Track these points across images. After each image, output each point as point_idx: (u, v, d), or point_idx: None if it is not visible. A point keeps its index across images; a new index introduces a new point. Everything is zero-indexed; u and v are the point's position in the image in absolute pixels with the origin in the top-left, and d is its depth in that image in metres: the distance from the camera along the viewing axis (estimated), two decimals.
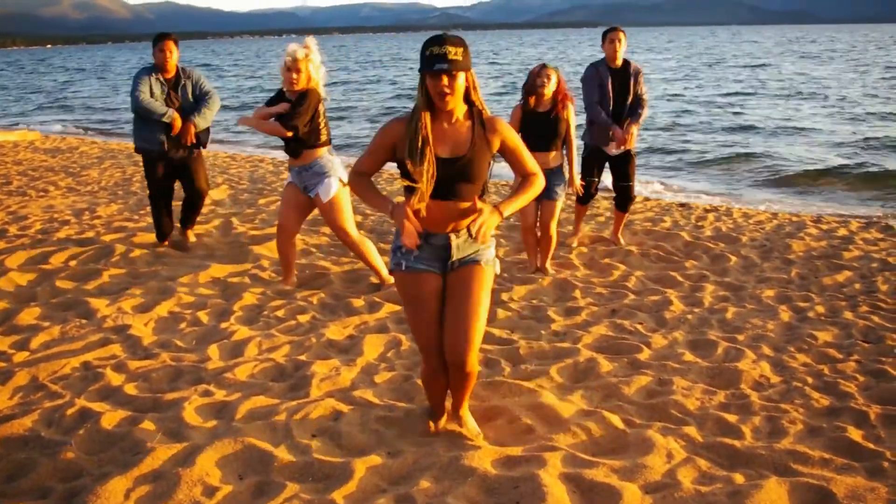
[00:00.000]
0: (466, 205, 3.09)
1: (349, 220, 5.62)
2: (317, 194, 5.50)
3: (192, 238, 7.11)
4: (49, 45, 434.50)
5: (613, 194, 7.06)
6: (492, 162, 3.16)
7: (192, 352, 4.57)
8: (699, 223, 8.05)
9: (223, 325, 5.00)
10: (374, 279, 5.91)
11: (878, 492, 3.00)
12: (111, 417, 3.61)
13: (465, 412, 3.57)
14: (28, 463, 3.26)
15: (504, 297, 5.56)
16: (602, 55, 6.74)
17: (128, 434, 3.45)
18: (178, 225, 7.13)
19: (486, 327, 4.87)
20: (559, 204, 6.01)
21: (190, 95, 6.62)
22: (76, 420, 3.62)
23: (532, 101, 5.84)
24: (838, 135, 16.73)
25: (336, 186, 5.50)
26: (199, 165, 6.84)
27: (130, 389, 4.00)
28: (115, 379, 4.13)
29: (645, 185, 11.43)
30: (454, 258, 3.18)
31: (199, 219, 7.58)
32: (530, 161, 3.22)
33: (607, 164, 6.85)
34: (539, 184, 3.22)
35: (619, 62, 6.61)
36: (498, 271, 3.36)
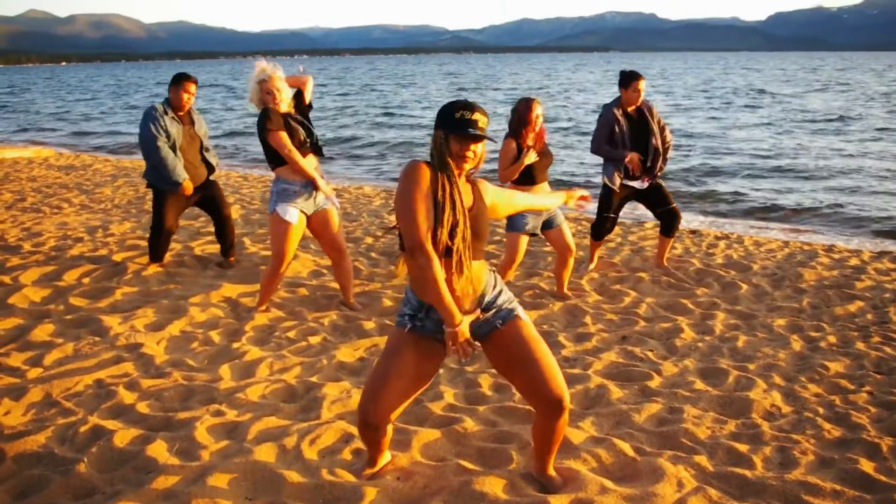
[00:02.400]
0: (475, 267, 2.99)
1: None
2: (333, 207, 5.59)
3: (232, 260, 7.23)
4: (63, 63, 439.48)
5: (658, 222, 7.03)
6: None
7: (203, 371, 4.60)
8: (710, 250, 8.05)
9: (235, 345, 5.03)
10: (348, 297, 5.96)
11: None
12: (123, 436, 3.63)
13: (552, 470, 3.36)
14: (41, 479, 3.28)
15: None
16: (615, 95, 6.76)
17: (140, 453, 3.47)
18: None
19: None
20: (565, 226, 6.07)
21: (202, 132, 6.81)
22: (89, 438, 3.64)
23: (530, 136, 5.72)
24: None
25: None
26: (219, 192, 7.02)
27: (143, 408, 4.03)
28: (127, 397, 4.15)
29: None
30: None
31: (209, 238, 7.65)
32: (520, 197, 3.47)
33: (635, 201, 6.93)
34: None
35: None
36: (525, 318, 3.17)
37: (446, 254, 2.90)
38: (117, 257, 7.15)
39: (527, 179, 5.80)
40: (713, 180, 15.00)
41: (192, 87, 6.60)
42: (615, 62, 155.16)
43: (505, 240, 6.35)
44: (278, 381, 4.41)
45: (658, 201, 6.83)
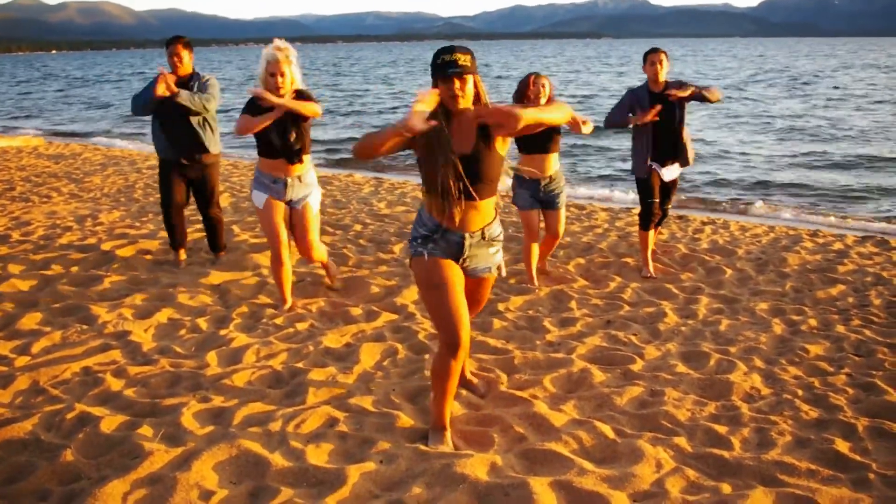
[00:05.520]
0: (481, 203, 3.33)
1: (318, 237, 5.59)
2: (306, 205, 5.38)
3: (223, 255, 6.96)
4: (54, 51, 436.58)
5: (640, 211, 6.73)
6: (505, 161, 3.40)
7: (190, 358, 4.63)
8: (696, 235, 8.11)
9: (222, 331, 5.06)
10: (326, 281, 6.14)
11: (863, 503, 3.05)
12: (110, 422, 3.67)
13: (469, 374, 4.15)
14: (27, 466, 3.32)
15: (500, 307, 5.62)
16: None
17: (126, 438, 3.50)
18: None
19: (482, 337, 4.97)
20: (563, 211, 6.15)
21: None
22: (76, 424, 3.68)
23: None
24: None
25: (320, 197, 5.54)
26: (206, 181, 6.61)
27: (130, 394, 4.06)
28: (114, 384, 4.19)
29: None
30: (466, 255, 3.42)
31: (198, 226, 7.61)
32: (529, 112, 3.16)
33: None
34: (564, 108, 3.28)
35: (662, 84, 6.26)
36: (504, 274, 3.70)
37: (443, 194, 3.24)
38: (106, 246, 7.17)
39: (533, 148, 5.91)
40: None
41: (179, 49, 6.26)
42: (604, 49, 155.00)
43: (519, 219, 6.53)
44: (265, 367, 4.45)
45: (661, 197, 6.55)
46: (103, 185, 11.30)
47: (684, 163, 6.45)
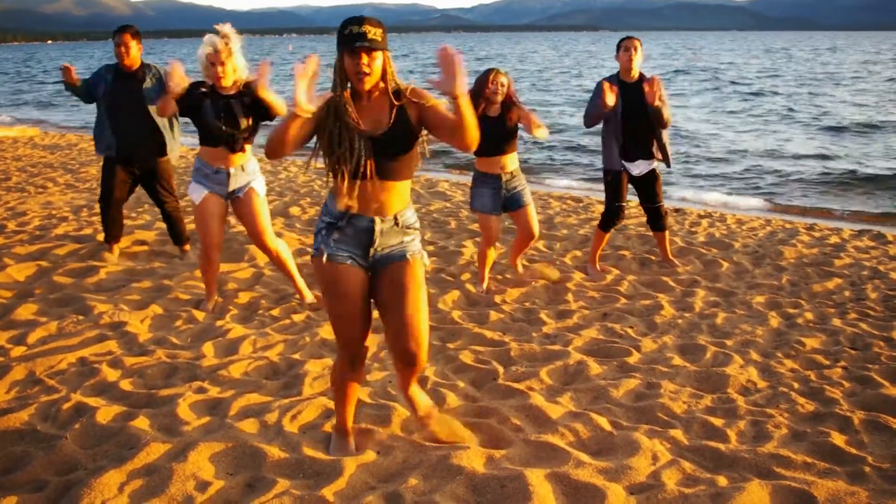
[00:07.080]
0: (396, 186, 3.05)
1: (270, 225, 5.31)
2: (251, 190, 5.13)
3: (188, 249, 6.86)
4: (49, 41, 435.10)
5: (645, 216, 6.59)
6: (422, 139, 3.08)
7: (187, 349, 4.63)
8: (693, 229, 8.11)
9: (218, 322, 5.06)
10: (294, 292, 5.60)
11: (859, 496, 3.06)
12: (106, 412, 3.67)
13: (415, 390, 3.45)
14: (24, 456, 3.31)
15: (497, 299, 5.62)
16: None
17: (122, 429, 3.50)
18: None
19: (479, 329, 4.95)
20: (531, 208, 5.68)
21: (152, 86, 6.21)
22: (72, 415, 3.67)
23: (482, 106, 5.39)
24: None
25: (264, 185, 5.26)
26: (160, 177, 6.54)
27: (126, 385, 4.06)
28: (110, 375, 4.18)
29: None
30: (376, 244, 3.09)
31: (191, 218, 7.56)
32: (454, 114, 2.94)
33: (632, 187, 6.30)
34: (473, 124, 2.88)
35: (635, 75, 6.01)
36: (427, 263, 3.26)
37: (354, 175, 2.97)
38: (102, 237, 7.14)
39: (489, 149, 5.43)
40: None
41: (127, 39, 6.13)
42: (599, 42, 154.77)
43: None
44: (261, 358, 4.45)
45: (647, 195, 6.33)
46: (99, 175, 11.24)
47: (650, 157, 6.13)
